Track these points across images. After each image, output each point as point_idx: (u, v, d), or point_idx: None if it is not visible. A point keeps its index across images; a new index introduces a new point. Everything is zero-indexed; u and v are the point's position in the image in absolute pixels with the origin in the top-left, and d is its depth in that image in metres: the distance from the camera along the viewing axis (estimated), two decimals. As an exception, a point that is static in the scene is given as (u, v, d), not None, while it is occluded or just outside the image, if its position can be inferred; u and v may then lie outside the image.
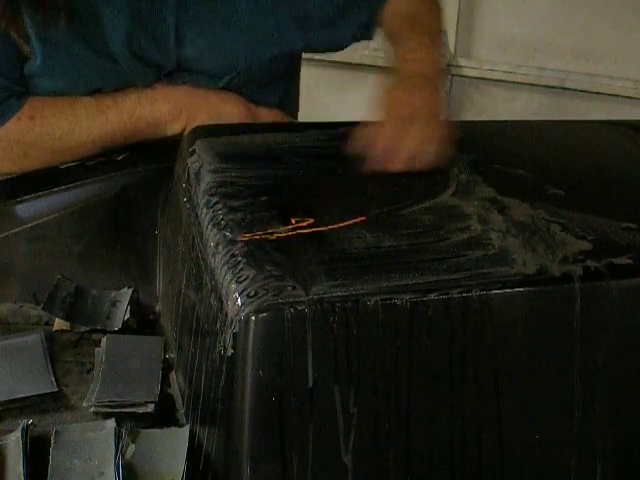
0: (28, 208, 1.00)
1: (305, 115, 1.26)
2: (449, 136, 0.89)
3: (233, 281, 0.65)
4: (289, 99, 1.19)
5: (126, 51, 1.00)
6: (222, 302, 0.66)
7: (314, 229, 0.72)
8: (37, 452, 0.69)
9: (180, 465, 0.67)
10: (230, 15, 1.02)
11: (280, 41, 1.06)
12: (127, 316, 0.88)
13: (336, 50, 1.19)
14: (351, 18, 1.12)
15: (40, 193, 1.00)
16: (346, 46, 1.17)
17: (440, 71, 1.02)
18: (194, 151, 0.88)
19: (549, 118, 2.27)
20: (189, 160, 0.87)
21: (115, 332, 0.86)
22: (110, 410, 0.75)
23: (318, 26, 1.09)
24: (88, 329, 0.87)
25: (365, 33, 1.15)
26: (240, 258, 0.67)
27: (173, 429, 0.72)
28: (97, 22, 0.98)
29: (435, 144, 0.87)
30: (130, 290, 0.92)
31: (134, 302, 0.90)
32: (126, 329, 0.87)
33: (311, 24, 1.08)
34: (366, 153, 0.86)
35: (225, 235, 0.71)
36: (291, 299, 0.62)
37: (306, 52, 1.17)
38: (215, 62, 1.04)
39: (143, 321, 0.90)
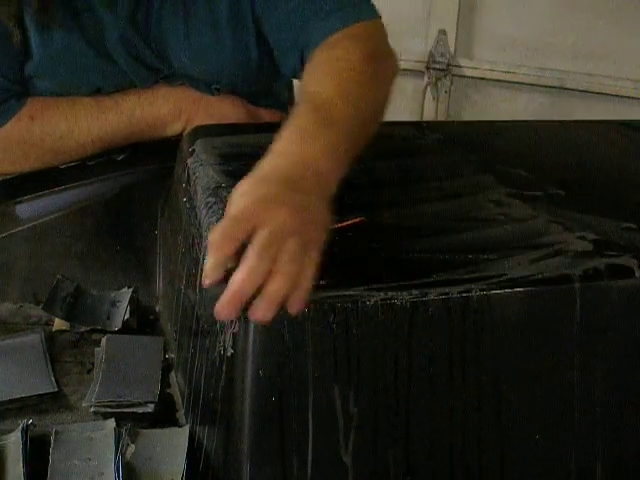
0: (28, 208, 1.00)
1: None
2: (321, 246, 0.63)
3: (233, 281, 0.64)
4: (283, 107, 1.19)
5: (123, 52, 1.00)
6: (222, 302, 0.65)
7: (314, 229, 0.72)
8: (37, 452, 0.69)
9: (180, 465, 0.67)
10: (209, 28, 1.02)
11: (261, 51, 1.05)
12: (127, 316, 0.88)
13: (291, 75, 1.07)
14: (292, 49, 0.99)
15: (40, 193, 1.00)
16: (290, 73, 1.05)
17: (329, 184, 0.70)
18: (194, 151, 0.88)
19: (549, 118, 2.27)
20: (189, 160, 0.87)
21: (115, 332, 0.86)
22: (110, 410, 0.75)
23: (285, 40, 1.01)
24: (88, 329, 0.87)
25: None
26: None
27: (173, 429, 0.72)
28: (96, 21, 0.98)
29: (310, 268, 0.61)
30: (130, 290, 0.92)
31: (134, 302, 0.90)
32: (126, 329, 0.87)
33: (277, 37, 1.02)
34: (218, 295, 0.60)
35: (225, 235, 0.71)
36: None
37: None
38: (200, 71, 1.04)
39: (143, 321, 0.90)
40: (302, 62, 0.97)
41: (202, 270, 0.63)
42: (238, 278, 0.59)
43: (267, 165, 0.69)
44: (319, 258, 0.62)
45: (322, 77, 0.85)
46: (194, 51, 1.02)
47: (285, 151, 0.70)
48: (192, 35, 1.01)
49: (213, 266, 0.60)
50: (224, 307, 0.59)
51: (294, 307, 0.60)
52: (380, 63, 0.90)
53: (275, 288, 0.59)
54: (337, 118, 0.76)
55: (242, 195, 0.64)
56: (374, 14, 0.99)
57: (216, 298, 0.59)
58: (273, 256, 0.59)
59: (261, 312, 0.59)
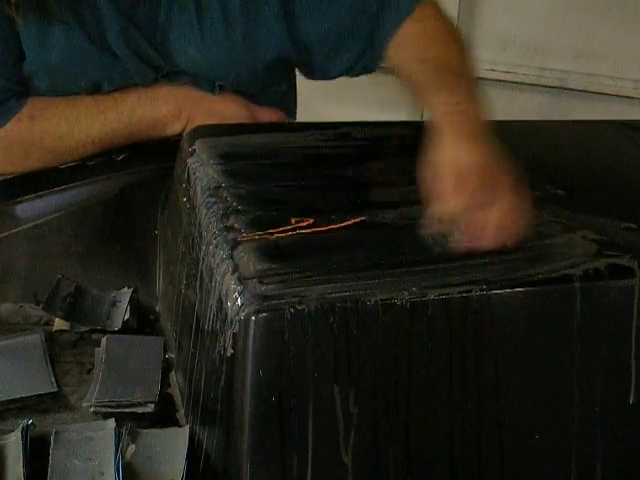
0: (28, 208, 1.00)
1: (302, 118, 1.26)
2: (527, 197, 0.76)
3: (233, 281, 0.65)
4: (286, 107, 1.19)
5: (124, 46, 1.00)
6: (222, 302, 0.66)
7: (314, 229, 0.72)
8: (37, 452, 0.69)
9: (180, 465, 0.67)
10: (222, 23, 1.02)
11: (273, 51, 1.05)
12: (127, 316, 0.88)
13: (322, 79, 1.11)
14: (348, 47, 1.04)
15: (40, 193, 1.00)
16: (332, 77, 1.09)
17: (488, 124, 0.83)
18: (194, 151, 0.88)
19: (549, 118, 2.27)
20: (189, 160, 0.87)
21: (115, 332, 0.86)
22: (110, 410, 0.75)
23: (311, 48, 1.05)
24: (88, 329, 0.87)
25: (360, 66, 1.06)
26: (240, 258, 0.67)
27: (173, 429, 0.72)
28: (96, 15, 0.98)
29: (521, 211, 0.74)
30: (130, 290, 0.92)
31: (134, 302, 0.90)
32: (126, 329, 0.87)
33: (306, 42, 1.05)
34: (449, 233, 0.73)
35: (225, 235, 0.71)
36: (291, 299, 0.62)
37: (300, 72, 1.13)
38: (206, 69, 1.04)
39: (143, 321, 0.90)
40: (364, 56, 1.04)
41: (202, 270, 0.63)
42: (492, 217, 0.73)
43: (442, 120, 0.83)
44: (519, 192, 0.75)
45: (430, 46, 0.99)
46: (206, 46, 1.02)
47: (447, 109, 0.85)
48: (205, 30, 1.01)
49: (456, 212, 0.73)
50: (486, 239, 0.72)
51: (510, 238, 0.72)
52: (453, 27, 1.05)
53: (504, 222, 0.73)
54: (470, 76, 0.95)
55: (442, 148, 0.78)
56: None
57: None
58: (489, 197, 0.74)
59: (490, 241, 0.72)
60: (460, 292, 0.64)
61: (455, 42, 1.01)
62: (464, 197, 0.73)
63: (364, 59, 1.05)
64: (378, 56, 1.04)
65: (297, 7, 1.02)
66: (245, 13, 1.02)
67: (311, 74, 1.12)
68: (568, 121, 1.31)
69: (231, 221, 0.73)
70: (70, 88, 1.02)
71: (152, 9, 1.00)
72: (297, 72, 1.21)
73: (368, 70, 1.08)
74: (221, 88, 1.06)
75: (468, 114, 0.84)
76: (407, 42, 1.01)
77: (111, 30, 0.99)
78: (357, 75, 1.09)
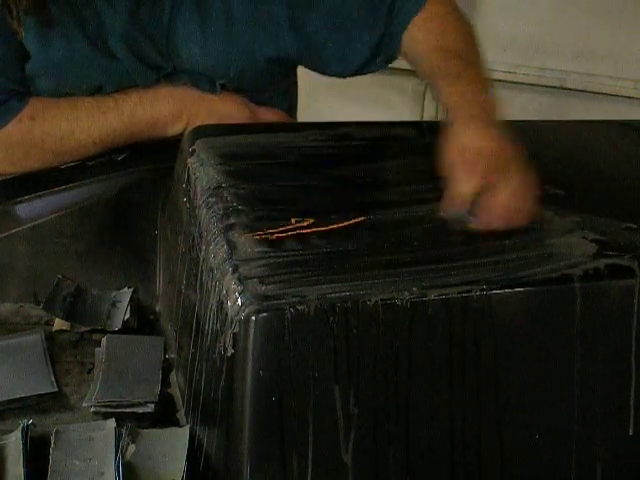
0: (28, 208, 1.00)
1: (302, 118, 1.26)
2: (534, 180, 0.79)
3: (233, 281, 0.65)
4: (287, 106, 1.19)
5: (125, 49, 1.00)
6: (222, 302, 0.66)
7: (314, 229, 0.72)
8: (37, 452, 0.69)
9: (180, 465, 0.67)
10: (224, 20, 1.02)
11: (275, 48, 1.05)
12: (127, 316, 0.88)
13: (343, 73, 1.11)
14: (364, 41, 1.06)
15: (40, 193, 1.00)
16: (356, 71, 1.09)
17: (497, 111, 0.87)
18: (194, 151, 0.88)
19: (549, 118, 2.27)
20: (189, 160, 0.87)
21: (115, 332, 0.86)
22: (110, 410, 0.75)
23: (321, 44, 1.06)
24: (88, 329, 0.87)
25: (380, 59, 1.08)
26: (240, 258, 0.67)
27: (173, 429, 0.72)
28: (97, 18, 0.98)
29: (530, 193, 0.78)
30: (130, 290, 0.92)
31: (134, 302, 0.90)
32: (126, 329, 0.87)
33: (313, 37, 1.05)
34: (463, 215, 0.76)
35: (225, 235, 0.71)
36: (291, 299, 0.62)
37: (309, 68, 1.13)
38: (208, 66, 1.04)
39: (143, 321, 0.90)
40: (381, 48, 1.06)
41: (202, 270, 0.63)
42: (502, 198, 0.76)
43: (460, 110, 0.87)
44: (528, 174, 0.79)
45: (443, 36, 1.02)
46: (208, 44, 1.02)
47: (464, 100, 0.88)
48: (207, 27, 1.01)
49: (467, 194, 0.76)
50: (500, 220, 0.75)
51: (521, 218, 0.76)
52: (465, 18, 1.08)
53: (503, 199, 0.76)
54: (480, 65, 0.97)
55: (462, 134, 0.82)
56: None
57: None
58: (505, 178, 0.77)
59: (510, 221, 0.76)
60: (460, 292, 0.64)
61: (467, 33, 1.04)
62: (474, 180, 0.76)
63: (381, 51, 1.07)
64: (395, 47, 1.05)
65: (304, 3, 1.03)
66: (247, 11, 1.02)
67: (327, 69, 1.12)
68: (568, 121, 1.31)
69: (231, 221, 0.73)
70: (71, 90, 1.02)
71: (155, 9, 1.00)
72: (301, 71, 1.21)
73: (387, 62, 1.09)
74: (223, 87, 1.06)
75: (478, 102, 0.87)
76: (421, 32, 1.03)
77: (112, 33, 0.99)
78: (377, 68, 1.10)
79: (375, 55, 1.07)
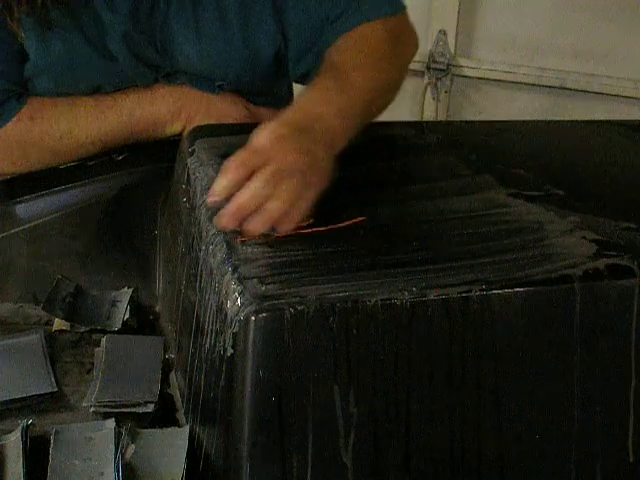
0: (28, 208, 1.00)
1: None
2: (321, 189, 0.75)
3: (233, 281, 0.65)
4: (286, 106, 1.19)
5: (124, 50, 1.00)
6: (222, 302, 0.66)
7: (314, 229, 0.72)
8: (37, 452, 0.69)
9: (180, 465, 0.67)
10: (219, 22, 1.02)
11: (269, 50, 1.05)
12: (127, 316, 0.88)
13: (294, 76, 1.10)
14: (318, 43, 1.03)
15: (40, 193, 1.00)
16: (299, 75, 1.08)
17: (336, 141, 0.80)
18: (194, 151, 0.88)
19: (549, 118, 2.27)
20: (189, 160, 0.87)
21: (115, 332, 0.86)
22: (110, 410, 0.75)
23: (302, 41, 1.05)
24: (88, 329, 0.87)
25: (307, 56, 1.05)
26: (240, 258, 0.67)
27: (173, 429, 0.72)
28: (96, 20, 0.98)
29: (305, 202, 0.72)
30: (130, 290, 0.92)
31: (134, 302, 0.90)
32: (126, 329, 0.87)
33: (296, 38, 1.05)
34: (223, 205, 0.72)
35: (225, 235, 0.71)
36: (291, 299, 0.62)
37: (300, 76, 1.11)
38: (205, 69, 1.04)
39: (143, 321, 0.90)
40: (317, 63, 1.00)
41: (202, 270, 0.63)
42: (244, 195, 0.70)
43: (286, 115, 0.80)
44: (314, 199, 0.73)
45: (344, 49, 0.97)
46: (203, 45, 1.02)
47: (304, 107, 0.82)
48: (201, 29, 1.01)
49: (223, 186, 0.72)
50: (226, 217, 0.70)
51: (283, 228, 0.71)
52: (400, 43, 1.01)
53: (272, 208, 0.70)
54: (352, 86, 0.88)
55: (260, 134, 0.76)
56: (396, 9, 1.03)
57: (214, 213, 0.72)
58: (276, 185, 0.71)
59: (256, 225, 0.70)
60: (460, 292, 0.64)
61: (379, 70, 0.95)
62: (231, 174, 0.72)
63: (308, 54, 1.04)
64: (319, 57, 1.00)
65: (285, 2, 1.02)
66: (240, 11, 1.02)
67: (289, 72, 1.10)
68: (568, 121, 1.31)
69: (231, 221, 0.73)
70: (70, 90, 1.02)
71: (153, 10, 1.00)
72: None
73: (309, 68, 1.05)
74: (221, 88, 1.06)
75: (312, 114, 0.81)
76: (339, 48, 0.99)
77: (111, 34, 0.99)
78: (305, 69, 1.06)
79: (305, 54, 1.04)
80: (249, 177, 0.72)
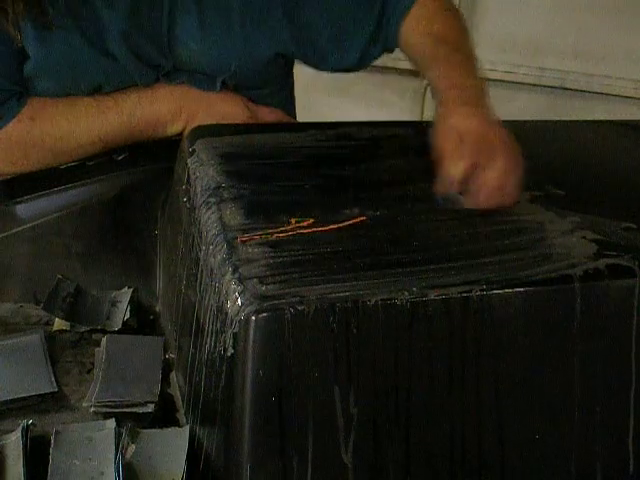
0: (28, 208, 1.00)
1: (302, 118, 1.26)
2: (521, 161, 0.82)
3: (233, 281, 0.65)
4: (285, 103, 1.19)
5: (124, 49, 1.00)
6: (222, 302, 0.66)
7: (314, 229, 0.72)
8: (37, 452, 0.69)
9: (180, 465, 0.67)
10: (221, 17, 1.02)
11: (272, 43, 1.05)
12: (127, 316, 0.88)
13: (339, 65, 1.12)
14: (360, 30, 1.07)
15: (40, 193, 1.00)
16: (356, 64, 1.11)
17: (487, 98, 0.91)
18: (194, 151, 0.88)
19: (549, 118, 2.27)
20: (189, 160, 0.87)
21: (115, 332, 0.86)
22: (110, 410, 0.75)
23: (317, 35, 1.07)
24: (88, 329, 0.87)
25: (378, 48, 1.10)
26: (240, 258, 0.67)
27: (173, 429, 0.72)
28: (96, 19, 0.98)
29: (517, 174, 0.81)
30: (130, 290, 0.92)
31: (134, 302, 0.90)
32: (126, 329, 0.87)
33: (309, 30, 1.06)
34: (454, 195, 0.80)
35: (225, 235, 0.71)
36: (291, 299, 0.62)
37: (306, 63, 1.13)
38: (207, 63, 1.04)
39: (143, 321, 0.90)
40: (377, 40, 1.09)
41: (202, 270, 0.62)
42: (492, 178, 0.79)
43: (451, 94, 0.90)
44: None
45: (428, 23, 1.06)
46: (206, 40, 1.02)
47: (462, 84, 0.92)
48: (205, 24, 1.01)
49: (457, 175, 0.80)
50: (489, 200, 0.79)
51: (511, 198, 0.80)
52: (454, 8, 1.13)
53: (510, 183, 0.80)
54: (467, 51, 1.01)
55: (454, 116, 0.85)
56: None
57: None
58: (492, 159, 0.80)
59: (504, 199, 0.80)
60: (460, 292, 0.64)
61: (455, 22, 1.07)
62: (463, 161, 0.80)
63: (377, 40, 1.09)
64: (392, 35, 1.08)
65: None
66: (244, 7, 1.02)
67: (323, 62, 1.12)
68: (568, 121, 1.31)
69: (231, 221, 0.73)
70: (70, 90, 1.02)
71: (155, 7, 1.00)
72: (302, 71, 1.21)
73: (384, 51, 1.11)
74: (223, 85, 1.06)
75: (465, 85, 0.91)
76: (412, 22, 1.07)
77: (111, 33, 0.99)
78: (373, 59, 1.12)
79: (371, 44, 1.09)
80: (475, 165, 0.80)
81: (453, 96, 0.89)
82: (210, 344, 0.68)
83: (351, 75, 1.17)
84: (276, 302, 0.62)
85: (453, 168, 0.80)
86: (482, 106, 0.87)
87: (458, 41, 1.03)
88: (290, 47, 1.07)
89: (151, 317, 0.92)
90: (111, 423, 0.71)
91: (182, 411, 0.78)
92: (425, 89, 2.42)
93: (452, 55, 0.98)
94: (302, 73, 1.24)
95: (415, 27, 1.06)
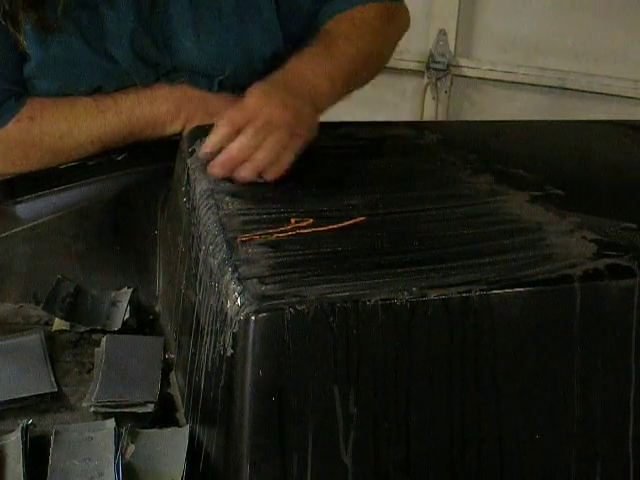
0: (28, 208, 1.00)
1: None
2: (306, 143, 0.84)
3: (233, 281, 0.65)
4: None
5: (129, 51, 1.00)
6: (222, 302, 0.66)
7: (314, 229, 0.72)
8: (37, 452, 0.69)
9: (180, 465, 0.67)
10: (214, 14, 1.02)
11: (266, 42, 1.05)
12: (127, 316, 0.88)
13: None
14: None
15: (40, 193, 1.00)
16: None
17: (321, 100, 0.91)
18: (194, 151, 0.88)
19: (549, 118, 2.27)
20: (189, 160, 0.87)
21: (115, 332, 0.86)
22: (110, 410, 0.75)
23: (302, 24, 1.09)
24: (88, 329, 0.87)
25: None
26: (240, 258, 0.67)
27: (173, 429, 0.72)
28: (98, 23, 0.98)
29: (291, 152, 0.83)
30: (130, 290, 0.92)
31: (134, 302, 0.90)
32: (126, 329, 0.87)
33: (296, 23, 1.08)
34: (214, 156, 0.82)
35: (225, 235, 0.71)
36: (291, 299, 0.62)
37: None
38: (203, 62, 1.04)
39: (143, 321, 0.90)
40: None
41: (202, 270, 0.62)
42: (234, 146, 0.81)
43: (274, 76, 0.91)
44: (300, 149, 0.84)
45: (337, 21, 1.05)
46: (201, 39, 1.02)
47: (291, 69, 0.92)
48: (199, 22, 1.02)
49: (215, 141, 0.82)
50: (218, 166, 0.80)
51: (270, 175, 0.81)
52: (392, 21, 1.10)
53: (260, 157, 0.80)
54: (339, 53, 0.98)
55: (250, 93, 0.86)
56: None
57: (206, 163, 0.82)
58: (264, 137, 0.81)
59: (245, 172, 0.80)
60: (460, 292, 0.64)
61: (367, 42, 1.05)
62: (223, 128, 0.82)
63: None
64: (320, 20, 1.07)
65: None
66: (237, 7, 1.02)
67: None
68: (568, 121, 1.31)
69: (231, 221, 0.73)
70: (70, 90, 1.02)
71: (152, 6, 1.00)
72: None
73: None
74: (221, 85, 1.06)
75: (300, 75, 0.91)
76: (344, 20, 1.06)
77: (112, 34, 0.99)
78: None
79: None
80: (238, 132, 0.81)
81: (276, 77, 0.90)
82: (210, 344, 0.68)
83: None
84: (276, 302, 0.62)
85: (215, 131, 0.83)
86: (298, 95, 0.87)
87: (347, 51, 1.00)
88: (281, 45, 1.07)
89: (151, 317, 0.92)
90: (111, 423, 0.71)
91: (182, 411, 0.78)
92: (425, 89, 2.42)
93: (325, 56, 0.96)
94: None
95: (337, 24, 1.05)
